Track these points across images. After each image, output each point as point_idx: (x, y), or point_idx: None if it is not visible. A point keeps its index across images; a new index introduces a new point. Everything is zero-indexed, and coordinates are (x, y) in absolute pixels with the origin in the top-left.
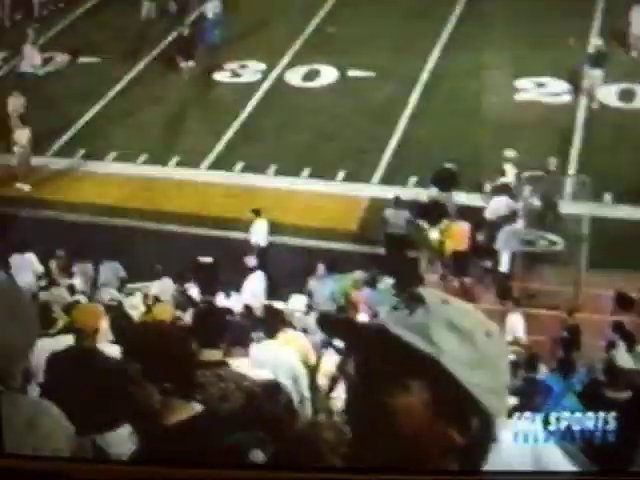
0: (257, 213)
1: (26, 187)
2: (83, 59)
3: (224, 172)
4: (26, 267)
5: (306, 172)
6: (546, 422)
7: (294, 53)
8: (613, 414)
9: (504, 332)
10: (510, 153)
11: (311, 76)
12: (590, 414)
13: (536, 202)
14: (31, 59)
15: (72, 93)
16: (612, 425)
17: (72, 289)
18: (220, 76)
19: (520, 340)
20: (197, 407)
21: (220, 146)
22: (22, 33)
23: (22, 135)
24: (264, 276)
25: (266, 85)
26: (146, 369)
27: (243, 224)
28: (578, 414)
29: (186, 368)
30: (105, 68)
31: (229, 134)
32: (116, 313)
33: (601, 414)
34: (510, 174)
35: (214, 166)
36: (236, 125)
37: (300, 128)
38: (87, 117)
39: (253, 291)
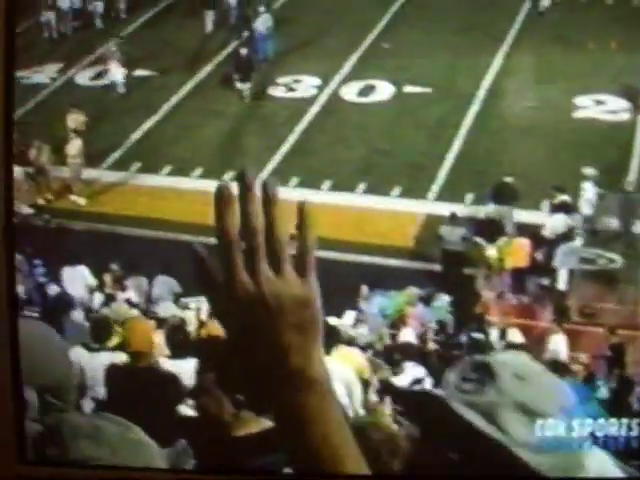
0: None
1: (81, 200)
2: (139, 72)
3: (279, 187)
4: (78, 280)
5: (361, 188)
6: (569, 429)
7: (349, 68)
8: (638, 420)
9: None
10: (589, 171)
11: (366, 92)
12: (613, 420)
13: (611, 221)
14: (116, 76)
15: (127, 106)
16: (636, 431)
17: (130, 303)
18: (275, 91)
19: (579, 358)
20: (267, 422)
21: (275, 161)
22: (80, 44)
23: (73, 146)
24: None
25: (321, 100)
26: (221, 379)
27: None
28: (601, 421)
29: (264, 382)
30: (161, 82)
31: (284, 149)
32: (174, 327)
33: (625, 420)
34: (590, 192)
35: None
36: (291, 140)
37: (355, 143)
38: (142, 130)
39: None
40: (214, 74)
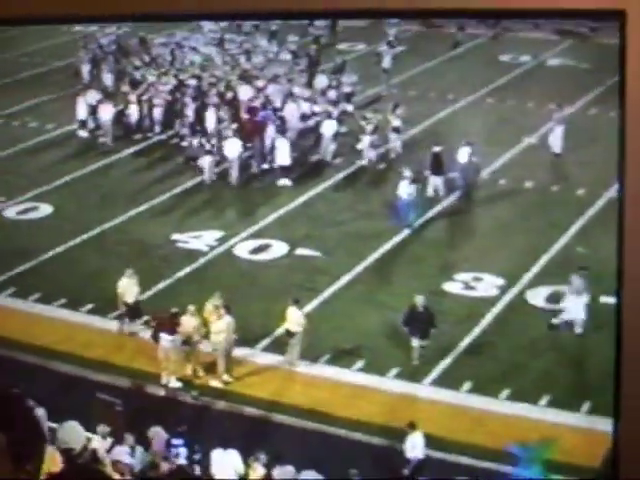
0: (412, 426)
1: (228, 379)
2: (301, 251)
3: (449, 391)
4: (228, 465)
5: (545, 400)
6: None
7: (538, 270)
8: None
9: None
10: None
11: (556, 298)
12: None
13: None
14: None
15: (286, 285)
16: None
17: None
18: (451, 286)
19: None
20: None
21: (447, 362)
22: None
23: (223, 322)
24: None
25: (504, 301)
26: None
27: (474, 450)
28: None
29: None
30: (323, 263)
31: (458, 350)
32: None
33: None
34: None
35: (438, 383)
36: (467, 341)
37: (540, 352)
38: (303, 313)
39: None
40: (385, 259)
